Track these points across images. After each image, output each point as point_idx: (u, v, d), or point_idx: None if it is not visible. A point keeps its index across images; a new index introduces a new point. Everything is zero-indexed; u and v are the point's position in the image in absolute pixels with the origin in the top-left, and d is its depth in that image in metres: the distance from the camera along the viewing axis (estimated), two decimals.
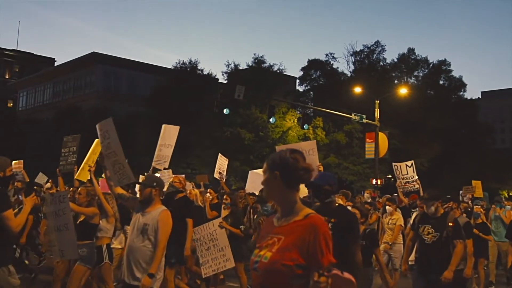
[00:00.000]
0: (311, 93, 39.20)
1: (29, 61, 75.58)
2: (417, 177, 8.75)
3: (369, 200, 11.38)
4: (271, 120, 22.79)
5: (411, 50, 38.19)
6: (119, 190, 4.91)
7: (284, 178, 2.34)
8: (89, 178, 6.43)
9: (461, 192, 14.07)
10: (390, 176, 34.27)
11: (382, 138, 24.75)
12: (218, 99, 20.25)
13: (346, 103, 29.77)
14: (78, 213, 6.13)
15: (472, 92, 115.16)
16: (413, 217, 7.13)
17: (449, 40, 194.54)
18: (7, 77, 75.12)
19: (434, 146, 32.87)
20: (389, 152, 26.51)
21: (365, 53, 37.56)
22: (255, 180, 8.00)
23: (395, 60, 38.10)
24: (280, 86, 33.61)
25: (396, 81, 36.84)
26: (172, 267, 6.54)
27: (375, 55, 37.51)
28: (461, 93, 39.27)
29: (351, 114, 23.48)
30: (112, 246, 6.55)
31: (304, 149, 6.66)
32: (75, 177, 7.58)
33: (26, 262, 8.90)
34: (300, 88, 40.41)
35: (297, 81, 41.03)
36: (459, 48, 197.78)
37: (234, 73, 35.00)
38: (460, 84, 38.82)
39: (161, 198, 5.94)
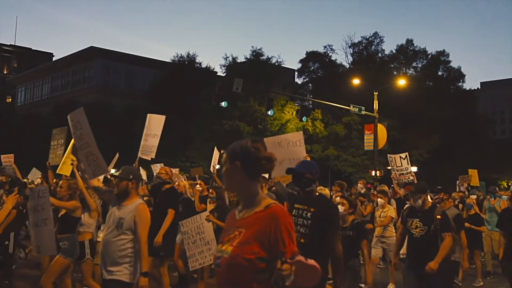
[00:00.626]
0: (310, 85, 39.19)
1: (27, 56, 75.46)
2: (411, 168, 8.71)
3: (362, 191, 11.27)
4: (269, 112, 22.72)
5: (409, 41, 38.14)
6: (95, 183, 4.77)
7: (245, 168, 2.24)
8: (72, 172, 6.29)
9: (458, 182, 14.09)
10: (390, 167, 34.33)
11: (381, 129, 24.71)
12: (216, 92, 20.22)
13: (344, 95, 29.73)
14: (59, 207, 6.04)
15: (472, 83, 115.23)
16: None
17: (448, 31, 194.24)
18: (5, 72, 75.01)
19: (433, 137, 32.87)
20: (388, 144, 26.50)
21: (364, 44, 37.53)
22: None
23: (394, 51, 38.08)
24: (278, 78, 33.58)
25: (394, 73, 36.79)
26: (163, 261, 6.45)
27: (373, 46, 37.50)
28: (460, 84, 39.25)
29: (349, 106, 23.45)
30: (98, 239, 6.40)
31: (291, 140, 6.67)
32: (57, 171, 7.47)
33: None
34: (299, 81, 40.43)
35: (296, 73, 40.99)
36: (458, 38, 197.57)
37: (232, 66, 34.96)
38: (459, 75, 38.78)
39: (148, 190, 5.86)
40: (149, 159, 7.90)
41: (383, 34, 60.48)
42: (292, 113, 32.52)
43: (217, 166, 10.19)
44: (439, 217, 5.43)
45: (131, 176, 4.29)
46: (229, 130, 30.88)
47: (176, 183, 8.67)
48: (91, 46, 53.80)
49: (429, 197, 7.52)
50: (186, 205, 8.14)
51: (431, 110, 32.67)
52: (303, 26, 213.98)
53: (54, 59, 71.18)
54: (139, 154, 7.69)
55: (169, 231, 6.42)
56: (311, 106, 36.43)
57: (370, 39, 37.32)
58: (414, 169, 32.66)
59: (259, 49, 35.20)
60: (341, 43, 51.36)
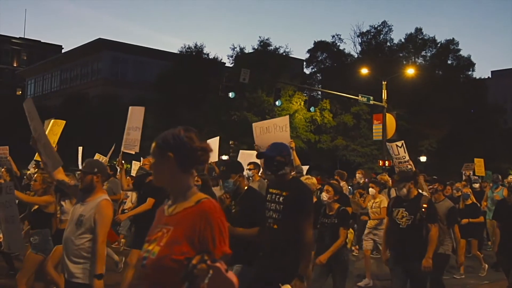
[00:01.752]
0: (318, 75, 39.03)
1: (36, 48, 75.73)
2: (408, 157, 8.53)
3: (361, 181, 11.07)
4: (277, 103, 22.72)
5: (418, 30, 37.76)
6: (61, 176, 4.45)
7: (178, 160, 2.05)
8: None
9: (461, 170, 13.96)
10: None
11: (390, 119, 24.59)
12: (223, 82, 20.22)
13: (353, 84, 29.61)
14: (28, 203, 5.88)
15: (482, 72, 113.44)
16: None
17: (458, 19, 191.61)
18: (15, 65, 75.43)
19: (442, 127, 32.66)
20: (397, 133, 26.35)
21: (372, 34, 37.25)
22: (246, 160, 7.95)
23: (402, 40, 37.74)
24: (286, 69, 33.46)
25: (404, 62, 36.51)
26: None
27: (382, 35, 37.21)
28: (469, 73, 38.87)
29: (358, 96, 23.36)
30: None
31: (278, 125, 6.62)
32: (34, 158, 7.41)
33: None
34: (307, 71, 40.26)
35: (304, 63, 40.81)
36: (467, 27, 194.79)
37: (240, 57, 34.89)
38: (468, 64, 38.37)
39: (131, 183, 5.59)
40: (133, 152, 7.64)
41: (392, 23, 59.75)
42: (300, 104, 32.44)
43: (225, 157, 10.15)
44: (425, 206, 5.22)
45: (95, 170, 3.98)
46: (236, 121, 30.89)
47: None
48: (99, 38, 53.90)
49: (425, 187, 7.38)
50: None
51: (441, 99, 32.41)
52: (311, 16, 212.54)
53: (63, 51, 71.46)
54: (122, 149, 7.46)
55: (146, 223, 6.10)
56: (319, 96, 36.32)
57: (378, 28, 37.04)
58: (423, 159, 32.77)
59: (267, 39, 35.10)
60: (349, 32, 51.18)
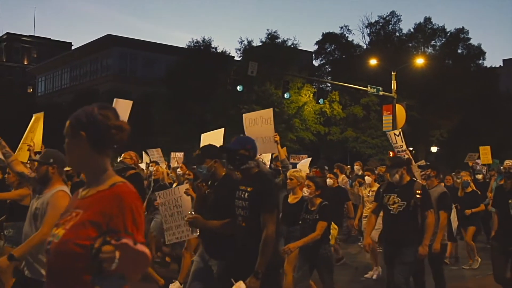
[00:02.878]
0: (327, 67, 38.85)
1: (46, 46, 76.23)
2: (405, 147, 8.36)
3: (359, 173, 10.85)
4: (285, 95, 22.67)
5: (427, 19, 37.32)
6: (20, 168, 4.29)
7: (91, 139, 1.89)
8: (29, 158, 6.08)
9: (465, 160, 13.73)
10: (411, 148, 33.97)
11: (400, 110, 24.42)
12: (231, 76, 20.21)
13: (362, 75, 29.47)
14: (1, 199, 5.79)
15: (493, 61, 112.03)
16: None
17: (467, 7, 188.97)
18: (25, 63, 76.04)
19: (453, 117, 32.39)
20: (408, 124, 26.23)
21: (381, 24, 36.92)
22: (209, 142, 7.62)
23: (412, 30, 37.37)
24: (294, 61, 33.36)
25: (414, 52, 36.21)
26: None
27: (390, 26, 36.85)
28: (480, 62, 38.40)
29: (367, 87, 23.24)
30: None
31: (264, 117, 6.37)
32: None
33: None
34: (316, 62, 40.09)
35: (313, 55, 40.63)
36: (477, 15, 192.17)
37: (248, 50, 34.84)
38: (479, 53, 37.88)
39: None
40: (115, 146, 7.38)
41: (400, 13, 59.25)
42: (309, 96, 32.37)
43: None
44: (419, 192, 5.05)
45: (51, 160, 3.79)
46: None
47: (155, 169, 8.41)
48: (108, 34, 54.11)
49: (417, 173, 6.90)
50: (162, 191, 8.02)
51: (451, 89, 32.10)
52: (318, 7, 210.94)
53: (73, 48, 71.88)
54: None
55: None
56: (328, 88, 36.17)
57: (387, 19, 36.69)
58: (434, 149, 32.49)
59: (275, 32, 34.99)
60: (358, 23, 50.57)
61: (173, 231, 6.19)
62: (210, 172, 4.16)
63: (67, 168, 6.24)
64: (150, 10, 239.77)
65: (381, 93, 23.55)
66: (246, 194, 3.68)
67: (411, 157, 9.23)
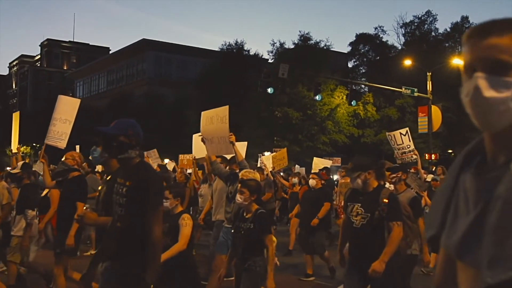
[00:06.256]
0: (361, 68, 38.47)
1: (85, 51, 78.58)
2: (413, 146, 7.85)
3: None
4: (317, 97, 22.59)
5: (464, 19, 36.40)
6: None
7: None
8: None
9: None
10: (450, 150, 33.13)
11: (435, 111, 23.95)
12: (262, 78, 20.31)
13: (397, 77, 29.01)
14: None
15: None
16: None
17: (506, 5, 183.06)
18: (65, 68, 78.52)
19: None
20: (444, 126, 25.64)
21: (416, 24, 36.27)
22: (196, 144, 7.55)
23: (448, 29, 36.53)
24: (327, 62, 33.18)
25: (450, 52, 35.40)
26: (59, 259, 5.40)
27: (426, 25, 36.15)
28: None
29: (401, 88, 22.88)
30: (12, 233, 5.97)
31: (219, 115, 5.93)
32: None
33: None
34: (349, 64, 39.73)
35: (346, 57, 40.32)
36: None
37: (281, 52, 34.88)
38: None
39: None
40: (62, 147, 6.76)
41: (436, 12, 57.87)
42: (342, 98, 32.11)
43: (267, 153, 10.08)
44: (386, 201, 4.12)
45: None
46: (278, 117, 30.93)
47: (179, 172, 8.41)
48: (143, 39, 55.27)
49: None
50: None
51: None
52: (352, 8, 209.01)
53: (110, 52, 73.77)
54: (46, 140, 6.68)
55: (71, 225, 5.26)
56: (364, 90, 35.78)
57: (422, 18, 36.00)
58: None
59: (307, 34, 34.89)
60: (392, 23, 49.92)
61: None
62: (103, 156, 3.81)
63: (15, 171, 6.44)
64: (184, 14, 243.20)
65: (416, 94, 23.15)
66: (124, 189, 3.08)
67: (419, 159, 8.84)
